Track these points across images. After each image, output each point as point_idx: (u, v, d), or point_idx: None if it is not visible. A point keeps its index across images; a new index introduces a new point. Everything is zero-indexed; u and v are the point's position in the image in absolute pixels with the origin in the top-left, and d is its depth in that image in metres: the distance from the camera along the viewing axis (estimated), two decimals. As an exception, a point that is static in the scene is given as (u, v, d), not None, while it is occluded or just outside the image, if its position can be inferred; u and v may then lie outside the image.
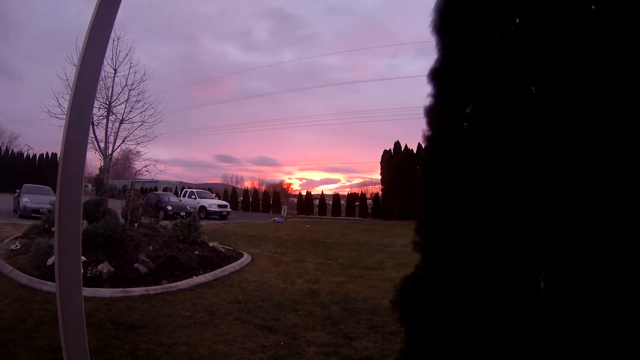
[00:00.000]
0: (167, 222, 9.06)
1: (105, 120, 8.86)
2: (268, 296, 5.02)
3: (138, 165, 11.22)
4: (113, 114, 9.03)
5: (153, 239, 6.72)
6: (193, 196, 21.72)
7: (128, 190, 9.11)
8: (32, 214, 12.12)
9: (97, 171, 9.82)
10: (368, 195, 30.13)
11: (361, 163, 69.89)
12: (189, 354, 3.16)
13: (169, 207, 17.14)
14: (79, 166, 1.29)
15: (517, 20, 1.88)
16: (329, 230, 15.36)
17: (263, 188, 36.53)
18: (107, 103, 8.85)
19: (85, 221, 6.56)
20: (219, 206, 20.84)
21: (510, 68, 1.83)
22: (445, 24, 2.02)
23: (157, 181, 27.70)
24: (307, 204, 29.48)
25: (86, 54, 1.30)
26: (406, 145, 25.94)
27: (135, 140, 9.61)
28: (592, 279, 1.59)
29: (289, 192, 37.88)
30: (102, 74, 7.93)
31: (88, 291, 4.53)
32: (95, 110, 8.42)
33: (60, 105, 8.57)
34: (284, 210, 26.32)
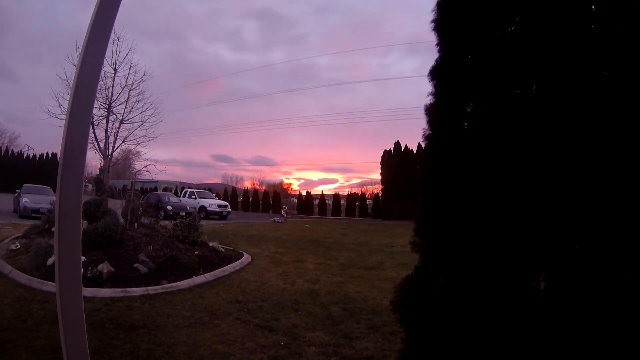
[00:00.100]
0: (167, 222, 9.06)
1: (105, 120, 8.86)
2: (268, 296, 5.02)
3: (138, 165, 11.23)
4: (113, 114, 9.03)
5: (153, 239, 6.72)
6: (193, 196, 21.73)
7: (128, 190, 9.11)
8: (32, 214, 12.14)
9: (97, 171, 9.85)
10: (368, 195, 30.17)
11: (358, 163, 70.13)
12: (189, 354, 3.15)
13: (169, 207, 17.15)
14: (79, 166, 1.29)
15: (518, 20, 1.88)
16: (329, 230, 15.36)
17: (263, 188, 36.62)
18: (107, 103, 8.85)
19: (85, 221, 6.56)
20: (219, 206, 20.85)
21: (511, 67, 1.82)
22: (447, 23, 2.02)
23: (157, 181, 27.74)
24: (307, 204, 29.48)
25: (86, 54, 1.29)
26: (406, 145, 25.99)
27: (135, 141, 9.61)
28: (592, 279, 1.59)
29: (288, 192, 37.97)
30: (102, 74, 7.93)
31: (88, 291, 4.53)
32: (95, 110, 8.42)
33: (60, 105, 8.58)
34: (284, 210, 26.33)
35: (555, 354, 1.61)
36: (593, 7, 1.75)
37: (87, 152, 1.51)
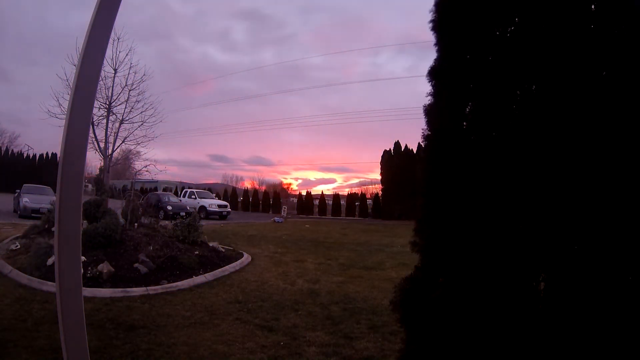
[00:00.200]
0: (167, 222, 9.06)
1: (105, 120, 8.86)
2: (268, 296, 5.02)
3: (138, 165, 11.22)
4: (113, 114, 9.02)
5: (153, 239, 6.72)
6: (193, 196, 21.73)
7: (128, 190, 9.11)
8: (32, 214, 12.14)
9: (97, 171, 9.83)
10: (368, 195, 30.15)
11: (356, 163, 70.18)
12: (189, 354, 3.16)
13: (169, 207, 17.15)
14: (79, 166, 1.29)
15: (517, 20, 1.88)
16: (329, 230, 15.36)
17: (263, 188, 36.62)
18: (107, 103, 8.84)
19: (85, 221, 6.56)
20: (219, 206, 20.85)
21: (510, 68, 1.83)
22: (446, 23, 2.02)
23: (157, 181, 27.73)
24: (307, 204, 29.48)
25: (86, 54, 1.30)
26: (406, 145, 25.99)
27: (135, 141, 9.61)
28: (592, 279, 1.59)
29: (288, 192, 37.99)
30: (102, 74, 7.93)
31: (88, 291, 4.53)
32: (95, 110, 8.42)
33: (60, 105, 8.57)
34: (284, 210, 26.33)
35: (555, 353, 1.61)
36: (593, 7, 1.75)
37: (87, 152, 1.51)
